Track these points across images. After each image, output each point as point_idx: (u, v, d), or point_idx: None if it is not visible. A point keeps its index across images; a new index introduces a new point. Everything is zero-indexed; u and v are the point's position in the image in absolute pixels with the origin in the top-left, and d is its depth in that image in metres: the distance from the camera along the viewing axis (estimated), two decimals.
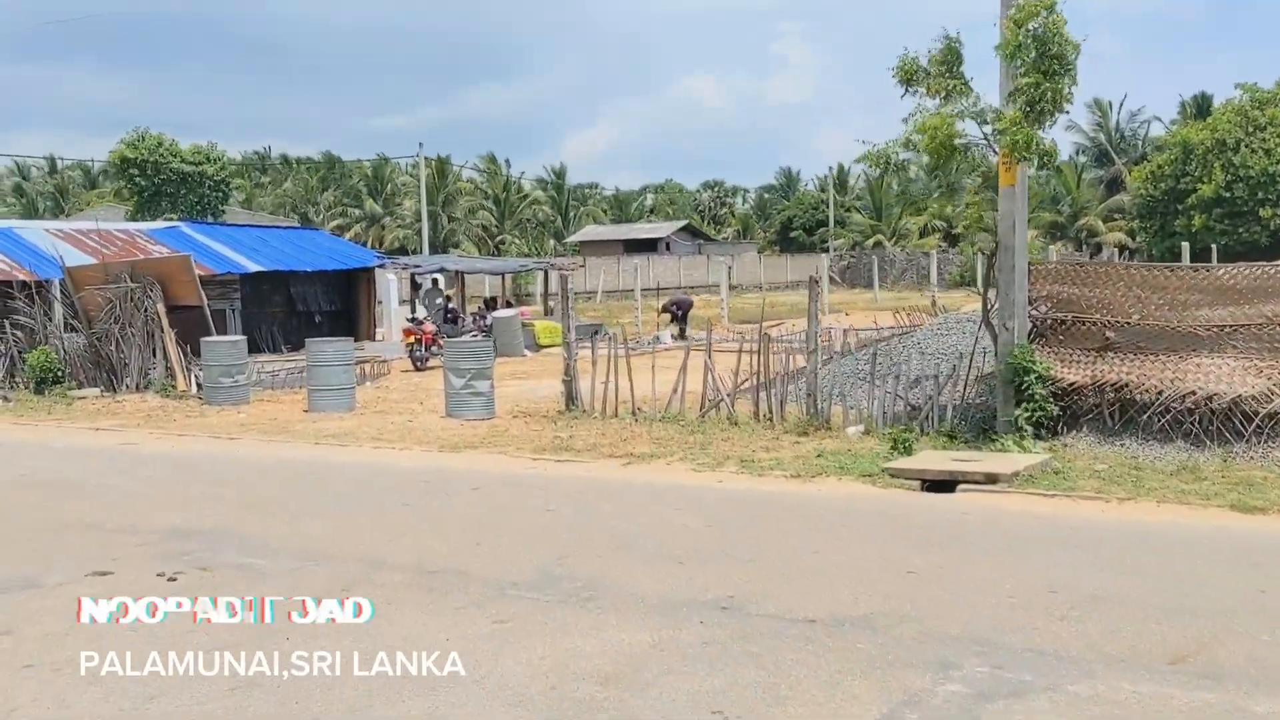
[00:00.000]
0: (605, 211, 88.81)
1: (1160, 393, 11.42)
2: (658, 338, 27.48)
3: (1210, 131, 46.24)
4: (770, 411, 13.93)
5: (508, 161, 79.52)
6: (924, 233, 72.81)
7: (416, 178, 59.58)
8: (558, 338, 23.18)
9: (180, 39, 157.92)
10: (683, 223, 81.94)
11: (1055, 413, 11.80)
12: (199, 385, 18.89)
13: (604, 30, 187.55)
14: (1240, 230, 44.86)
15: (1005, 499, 9.85)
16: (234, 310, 26.32)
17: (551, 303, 36.58)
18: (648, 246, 71.43)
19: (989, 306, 12.56)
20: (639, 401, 15.02)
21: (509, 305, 34.16)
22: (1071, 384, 11.92)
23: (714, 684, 5.50)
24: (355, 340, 22.23)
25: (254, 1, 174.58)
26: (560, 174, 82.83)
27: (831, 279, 53.89)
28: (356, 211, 73.81)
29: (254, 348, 22.90)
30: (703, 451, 12.39)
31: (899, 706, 5.20)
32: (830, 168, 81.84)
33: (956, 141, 12.09)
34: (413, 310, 29.61)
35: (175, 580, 7.55)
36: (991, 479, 10.27)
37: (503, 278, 44.33)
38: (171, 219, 36.72)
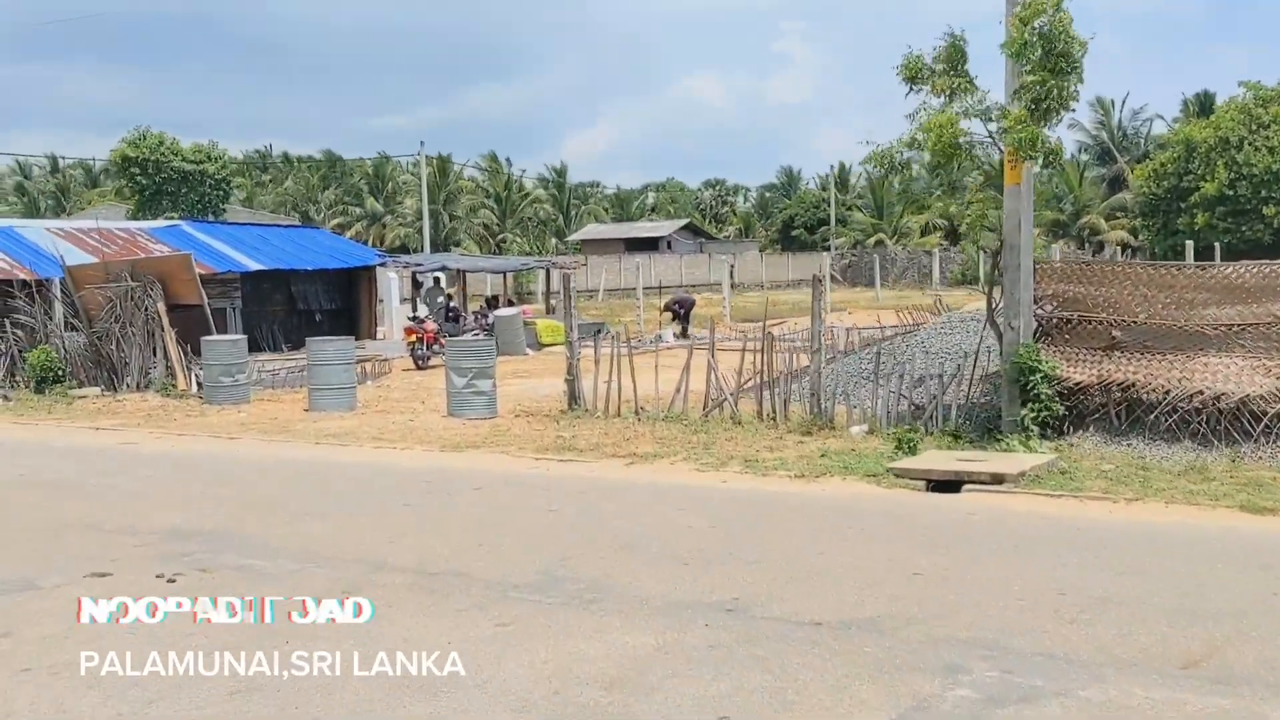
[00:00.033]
0: (606, 210, 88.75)
1: (1167, 392, 11.34)
2: (660, 336, 27.39)
3: (1213, 129, 46.07)
4: (774, 411, 13.87)
5: (509, 160, 79.57)
6: (925, 231, 72.81)
7: (417, 176, 59.55)
8: (559, 336, 23.12)
9: (180, 39, 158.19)
10: (684, 221, 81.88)
11: (1061, 412, 11.73)
12: (199, 384, 18.83)
13: (604, 30, 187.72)
14: (1243, 228, 44.70)
15: (1011, 499, 9.77)
16: (234, 309, 26.25)
17: (553, 301, 36.55)
18: (649, 245, 71.40)
19: (994, 305, 12.50)
20: (642, 401, 14.96)
21: (510, 304, 34.09)
22: (1077, 383, 11.84)
23: (720, 688, 5.43)
24: (356, 339, 22.13)
25: (254, 1, 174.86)
26: (561, 173, 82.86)
27: (833, 277, 53.84)
28: (357, 210, 73.74)
29: (254, 347, 22.83)
30: (706, 451, 12.32)
31: (908, 712, 5.13)
32: (831, 166, 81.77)
33: (961, 140, 12.03)
34: (414, 309, 29.55)
35: (175, 581, 7.50)
36: (997, 479, 10.20)
37: (504, 276, 44.35)
38: (172, 218, 36.72)
